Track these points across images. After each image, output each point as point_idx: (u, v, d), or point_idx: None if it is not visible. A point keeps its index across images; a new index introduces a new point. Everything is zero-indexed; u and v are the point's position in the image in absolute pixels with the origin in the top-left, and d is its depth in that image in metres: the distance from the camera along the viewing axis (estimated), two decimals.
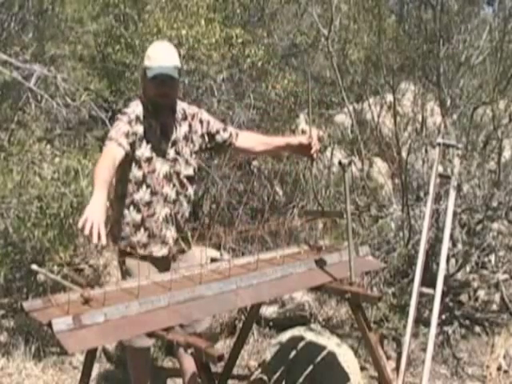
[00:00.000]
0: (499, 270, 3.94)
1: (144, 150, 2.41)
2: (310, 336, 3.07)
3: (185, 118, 2.54)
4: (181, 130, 2.51)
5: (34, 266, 2.06)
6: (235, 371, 3.05)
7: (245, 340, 2.95)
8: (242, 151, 2.77)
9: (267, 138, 2.76)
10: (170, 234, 2.48)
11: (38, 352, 3.32)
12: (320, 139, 2.64)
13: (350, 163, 2.37)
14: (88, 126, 5.18)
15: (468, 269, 3.96)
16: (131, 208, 2.42)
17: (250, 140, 2.68)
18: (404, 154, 3.93)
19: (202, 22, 4.35)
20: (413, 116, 4.75)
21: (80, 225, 1.88)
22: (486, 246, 3.78)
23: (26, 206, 3.23)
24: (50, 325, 1.62)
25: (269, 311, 3.75)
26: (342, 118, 5.90)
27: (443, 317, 3.66)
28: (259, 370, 3.07)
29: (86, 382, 2.12)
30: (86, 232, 1.86)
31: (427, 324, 3.21)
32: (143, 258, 2.34)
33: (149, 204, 2.43)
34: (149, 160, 2.42)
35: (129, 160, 2.36)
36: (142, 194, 2.42)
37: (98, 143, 5.00)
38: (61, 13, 4.68)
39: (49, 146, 3.70)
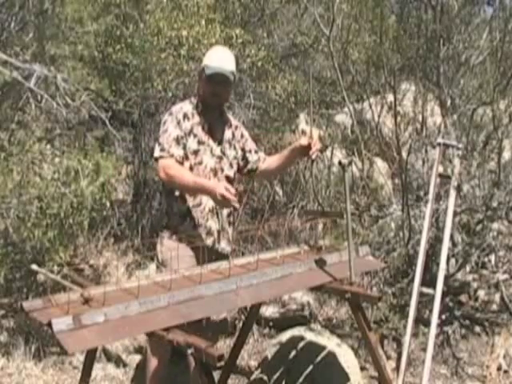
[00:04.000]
0: (499, 270, 3.94)
1: (191, 143, 2.50)
2: (309, 336, 3.07)
3: (230, 125, 2.68)
4: (226, 134, 2.64)
5: (34, 266, 2.06)
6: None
7: (245, 340, 2.95)
8: (262, 173, 2.85)
9: (277, 155, 2.84)
10: (215, 225, 2.55)
11: (38, 352, 3.32)
12: (321, 139, 2.66)
13: (350, 163, 2.37)
14: (88, 126, 5.18)
15: (468, 269, 3.96)
16: (178, 199, 2.51)
17: (269, 162, 2.78)
18: (404, 154, 3.93)
19: (203, 22, 4.35)
20: (413, 116, 4.76)
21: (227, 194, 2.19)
22: (485, 246, 3.77)
23: (26, 206, 3.23)
24: (49, 325, 1.62)
25: (269, 311, 3.75)
26: (343, 118, 5.90)
27: (443, 317, 3.66)
28: (259, 370, 3.07)
29: (86, 381, 2.12)
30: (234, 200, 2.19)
31: (427, 324, 3.21)
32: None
33: (194, 195, 2.50)
34: (195, 152, 2.51)
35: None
36: None
37: (97, 143, 5.00)
38: (61, 13, 4.66)
39: (49, 146, 3.70)
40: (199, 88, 2.59)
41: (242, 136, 2.73)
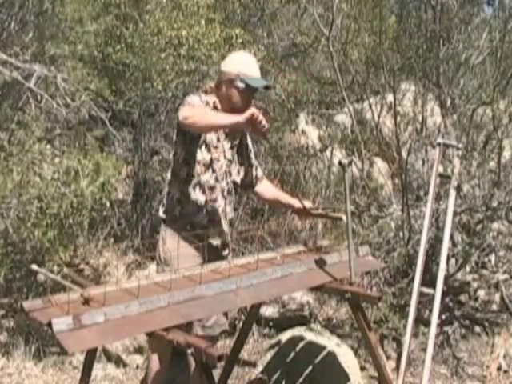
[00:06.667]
0: (499, 270, 3.94)
1: (213, 137, 2.51)
2: (310, 336, 3.07)
3: (240, 132, 2.68)
4: (237, 140, 2.64)
5: (34, 266, 2.06)
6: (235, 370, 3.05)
7: (245, 340, 2.95)
8: (256, 195, 2.90)
9: (278, 192, 2.89)
10: (226, 227, 2.56)
11: (38, 352, 3.31)
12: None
13: (350, 163, 2.37)
14: (88, 125, 5.18)
15: (468, 269, 3.96)
16: (197, 188, 2.50)
17: (267, 191, 2.82)
18: (404, 154, 3.93)
19: (202, 22, 4.35)
20: (413, 116, 4.75)
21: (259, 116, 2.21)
22: (485, 246, 3.77)
23: (26, 206, 3.23)
24: (49, 325, 1.62)
25: (269, 311, 3.75)
26: (343, 118, 5.90)
27: (443, 317, 3.66)
28: (259, 370, 3.07)
29: (86, 381, 2.11)
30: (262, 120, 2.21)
31: (427, 324, 3.21)
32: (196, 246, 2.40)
33: (212, 189, 2.51)
34: (215, 147, 2.52)
35: (197, 142, 2.47)
36: (208, 177, 2.50)
37: (97, 143, 5.00)
38: (61, 13, 4.66)
39: (49, 146, 3.70)
40: (227, 92, 2.51)
41: (247, 146, 2.73)
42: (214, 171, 2.52)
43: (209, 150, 2.50)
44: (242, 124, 2.25)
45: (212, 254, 2.52)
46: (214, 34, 4.30)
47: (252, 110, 2.22)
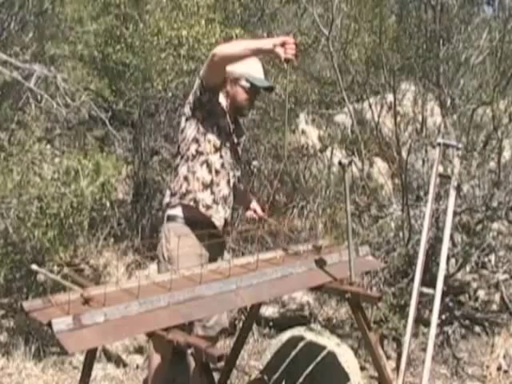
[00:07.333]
0: (499, 270, 3.94)
1: (225, 124, 2.53)
2: (310, 336, 3.07)
3: (243, 132, 2.76)
4: (242, 138, 2.70)
5: (34, 266, 2.06)
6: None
7: (245, 340, 2.95)
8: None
9: (246, 195, 2.96)
10: (223, 212, 2.55)
11: (38, 352, 3.31)
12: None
13: (350, 163, 2.37)
14: (88, 125, 5.19)
15: (468, 269, 3.96)
16: (204, 166, 2.50)
17: (239, 198, 2.83)
18: (404, 154, 3.93)
19: (202, 22, 4.35)
20: (413, 116, 4.75)
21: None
22: (485, 246, 3.77)
23: (26, 206, 3.23)
24: (49, 325, 1.62)
25: (269, 311, 3.75)
26: (343, 118, 5.90)
27: (443, 317, 3.66)
28: (260, 369, 3.06)
29: (86, 382, 2.11)
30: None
31: (427, 324, 3.21)
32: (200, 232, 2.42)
33: (217, 173, 2.52)
34: (227, 136, 2.55)
35: (210, 122, 2.49)
36: (216, 160, 2.51)
37: (97, 143, 5.00)
38: (61, 13, 4.67)
39: (49, 146, 3.71)
40: (232, 90, 2.57)
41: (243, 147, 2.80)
42: (221, 156, 2.53)
43: (220, 134, 2.51)
44: (276, 45, 2.26)
45: (214, 246, 2.53)
46: (214, 34, 4.30)
47: (286, 37, 2.27)
